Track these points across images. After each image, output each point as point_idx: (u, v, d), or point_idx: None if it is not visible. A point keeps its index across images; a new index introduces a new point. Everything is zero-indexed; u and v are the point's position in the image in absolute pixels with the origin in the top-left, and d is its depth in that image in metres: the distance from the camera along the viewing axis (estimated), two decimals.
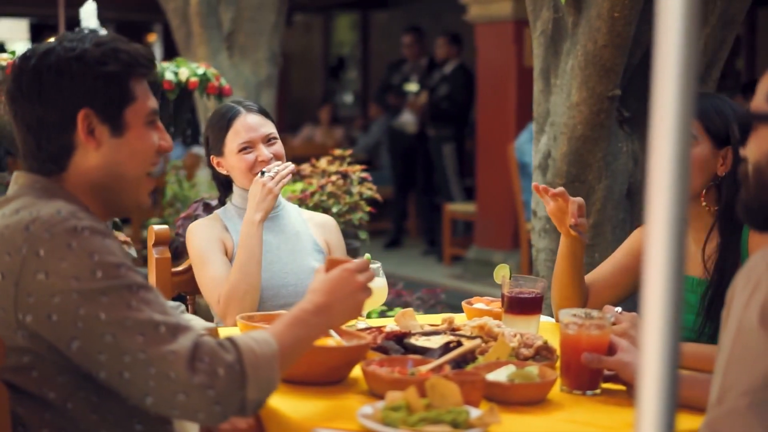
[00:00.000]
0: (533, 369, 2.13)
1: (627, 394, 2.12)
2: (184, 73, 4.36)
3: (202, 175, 6.88)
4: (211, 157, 3.10)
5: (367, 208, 4.39)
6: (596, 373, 2.16)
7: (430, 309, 5.18)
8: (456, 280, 8.54)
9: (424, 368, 2.13)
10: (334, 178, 4.36)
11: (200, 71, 4.48)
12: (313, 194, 4.35)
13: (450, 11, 10.61)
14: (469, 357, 2.26)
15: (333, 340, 2.24)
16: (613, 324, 2.29)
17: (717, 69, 3.79)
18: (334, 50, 15.46)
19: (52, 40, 1.92)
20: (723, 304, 2.59)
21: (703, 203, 2.60)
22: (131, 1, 12.22)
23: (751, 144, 1.62)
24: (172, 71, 4.35)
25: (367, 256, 2.66)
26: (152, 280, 3.08)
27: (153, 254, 3.09)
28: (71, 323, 1.72)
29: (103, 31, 4.39)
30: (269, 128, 3.06)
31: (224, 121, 3.05)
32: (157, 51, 14.21)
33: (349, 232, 4.56)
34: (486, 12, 8.31)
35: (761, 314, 1.42)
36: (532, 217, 4.03)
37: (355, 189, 4.34)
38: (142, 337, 1.71)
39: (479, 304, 2.82)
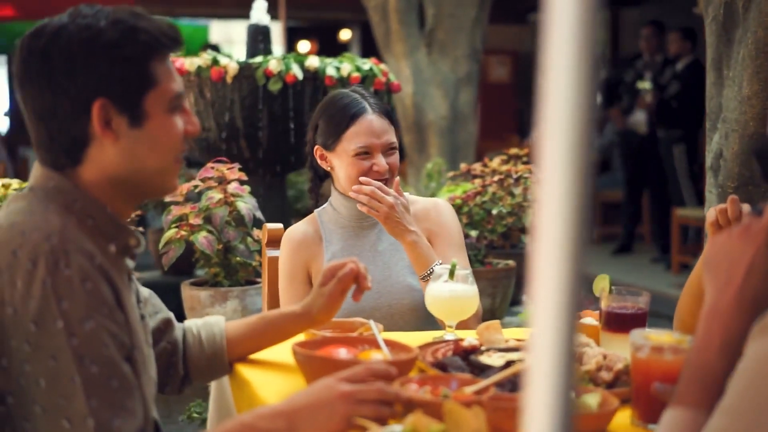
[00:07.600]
0: (593, 396, 1.84)
1: None
2: (346, 68, 4.24)
3: None
4: (317, 147, 2.78)
5: None
6: None
7: None
8: (681, 289, 7.99)
9: (468, 389, 1.89)
10: (496, 178, 4.11)
11: (366, 66, 4.34)
12: (476, 195, 4.12)
13: None
14: None
15: (381, 353, 2.04)
16: None
17: None
18: None
19: (64, 14, 1.71)
20: None
21: None
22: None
23: None
24: (334, 66, 4.23)
25: (454, 262, 2.43)
26: (265, 279, 2.98)
27: (266, 254, 2.99)
28: (14, 377, 1.59)
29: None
30: (391, 136, 2.73)
31: (346, 115, 2.71)
32: (354, 49, 14.31)
33: (513, 236, 4.31)
34: None
35: None
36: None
37: (518, 190, 4.07)
38: (68, 425, 1.56)
39: (588, 319, 2.53)
